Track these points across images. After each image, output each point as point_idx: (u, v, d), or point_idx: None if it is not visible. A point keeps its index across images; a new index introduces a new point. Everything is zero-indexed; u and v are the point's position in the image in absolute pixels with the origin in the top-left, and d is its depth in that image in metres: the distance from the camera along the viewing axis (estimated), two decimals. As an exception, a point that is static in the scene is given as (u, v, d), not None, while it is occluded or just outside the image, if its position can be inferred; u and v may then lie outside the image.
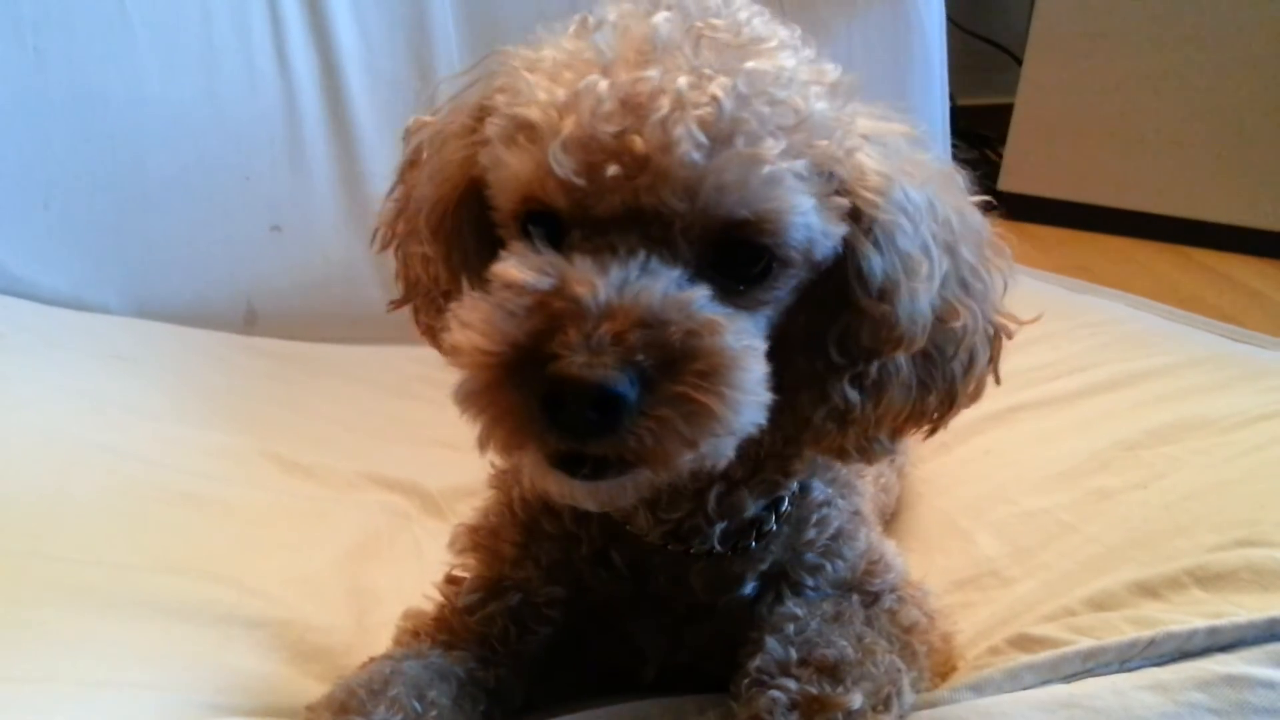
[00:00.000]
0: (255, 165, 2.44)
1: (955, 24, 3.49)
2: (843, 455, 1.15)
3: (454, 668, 1.22)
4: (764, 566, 1.25)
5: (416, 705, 1.12)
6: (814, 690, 1.04)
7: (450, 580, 1.35)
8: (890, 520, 1.76)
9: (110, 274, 2.34)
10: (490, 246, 1.07)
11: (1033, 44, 4.22)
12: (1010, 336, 1.15)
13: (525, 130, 0.96)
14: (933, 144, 1.14)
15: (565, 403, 0.88)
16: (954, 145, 3.08)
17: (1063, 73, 4.17)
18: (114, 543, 1.57)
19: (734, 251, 0.98)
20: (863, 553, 1.31)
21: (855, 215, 1.01)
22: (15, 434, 1.71)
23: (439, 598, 1.34)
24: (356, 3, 2.49)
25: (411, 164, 1.18)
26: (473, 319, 0.94)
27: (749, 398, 0.95)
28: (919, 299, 1.03)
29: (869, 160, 1.02)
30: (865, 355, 1.06)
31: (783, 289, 1.03)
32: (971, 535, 1.69)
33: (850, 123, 1.03)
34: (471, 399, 0.94)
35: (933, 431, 1.17)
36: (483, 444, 0.96)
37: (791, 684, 1.05)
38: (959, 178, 1.13)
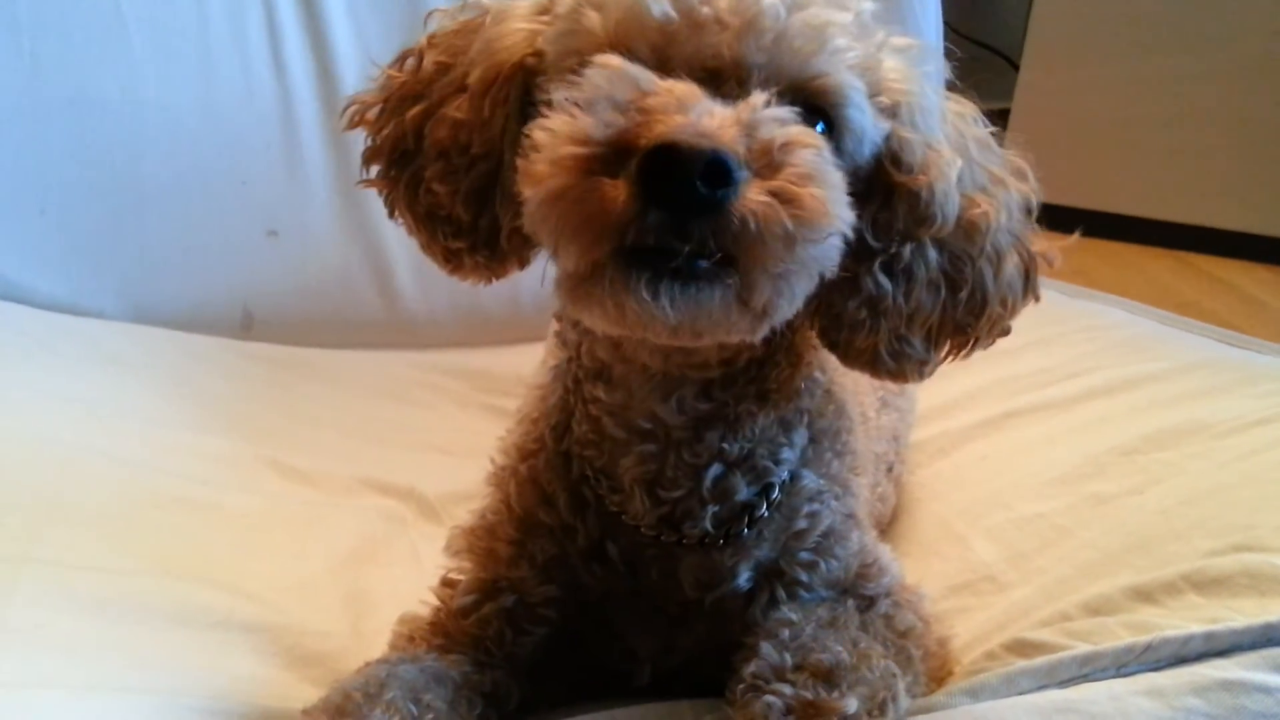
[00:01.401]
0: (252, 170, 2.43)
1: (952, 29, 3.49)
2: (875, 363, 1.14)
3: (450, 671, 1.22)
4: (757, 555, 1.25)
5: (412, 708, 1.12)
6: (809, 695, 1.04)
7: (446, 583, 1.36)
8: (886, 527, 1.76)
9: (106, 279, 2.34)
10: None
11: (1029, 50, 4.23)
12: (1051, 264, 1.20)
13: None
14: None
15: (672, 172, 0.85)
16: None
17: (1059, 78, 4.18)
18: (109, 547, 1.57)
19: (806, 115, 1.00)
20: (855, 553, 1.31)
21: (890, 111, 1.08)
22: (10, 438, 1.71)
23: (435, 602, 1.35)
24: (353, 8, 2.49)
25: (453, 35, 1.18)
26: (557, 124, 0.91)
27: (839, 207, 0.96)
28: (948, 177, 1.08)
29: (895, 62, 1.10)
30: (899, 238, 1.09)
31: (846, 169, 1.04)
32: (968, 540, 1.69)
33: (880, 35, 1.10)
34: (552, 199, 0.90)
35: (969, 351, 1.19)
36: (560, 256, 0.94)
37: (787, 689, 1.05)
38: (971, 106, 1.21)
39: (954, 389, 2.06)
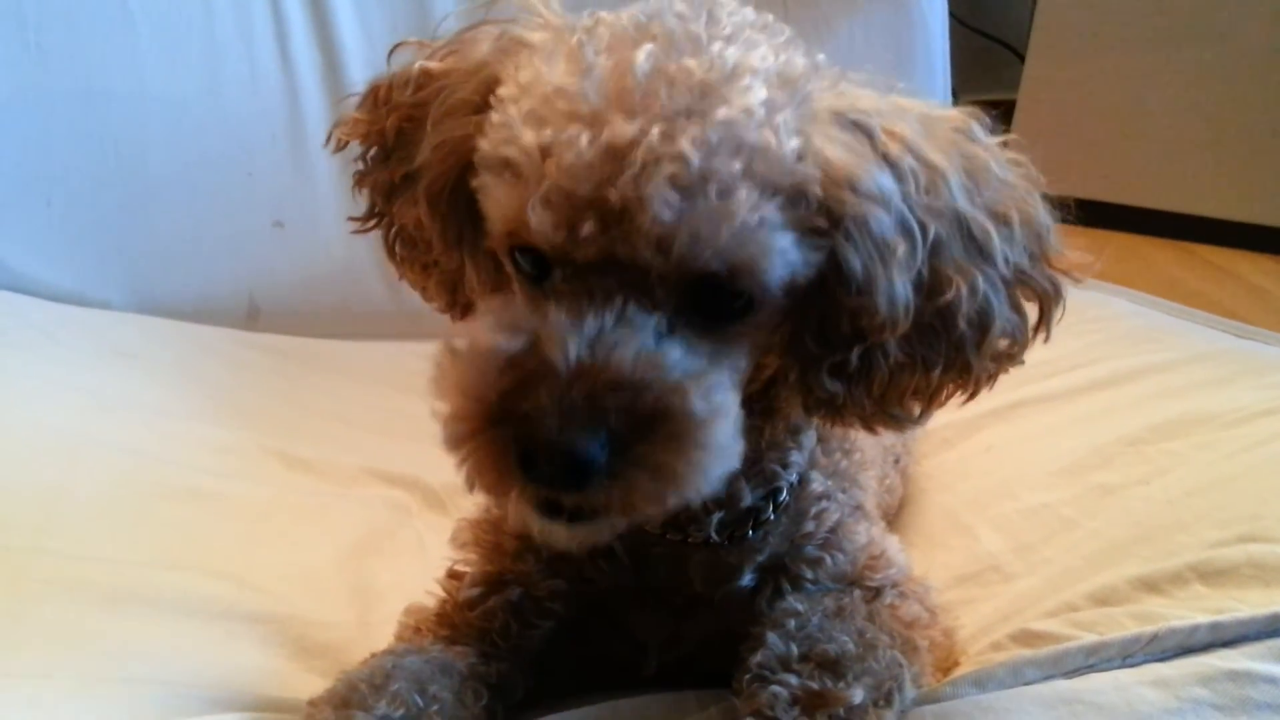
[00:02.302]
0: (258, 161, 2.44)
1: (958, 20, 3.49)
2: (867, 428, 1.14)
3: (455, 662, 1.22)
4: (761, 558, 1.25)
5: (418, 699, 1.12)
6: (815, 685, 1.04)
7: (452, 575, 1.36)
8: (893, 517, 1.76)
9: (113, 270, 2.34)
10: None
11: (1035, 40, 4.22)
12: (1077, 281, 1.13)
13: (510, 168, 0.96)
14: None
15: (538, 464, 0.91)
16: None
17: (1065, 69, 4.17)
18: (115, 538, 1.57)
19: (714, 291, 0.97)
20: (863, 546, 1.31)
21: (828, 214, 0.98)
22: (17, 429, 1.72)
23: (441, 593, 1.35)
24: (359, 0, 2.49)
25: (393, 106, 1.16)
26: (450, 378, 0.97)
27: (717, 457, 0.95)
28: (896, 283, 0.99)
29: (832, 150, 0.98)
30: (844, 343, 1.04)
31: (764, 317, 1.03)
32: (974, 531, 1.69)
33: (812, 114, 1.00)
34: (453, 447, 0.96)
35: (971, 396, 1.14)
36: (469, 486, 0.98)
37: (793, 679, 1.05)
38: (966, 120, 1.08)
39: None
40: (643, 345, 0.93)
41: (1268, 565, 1.25)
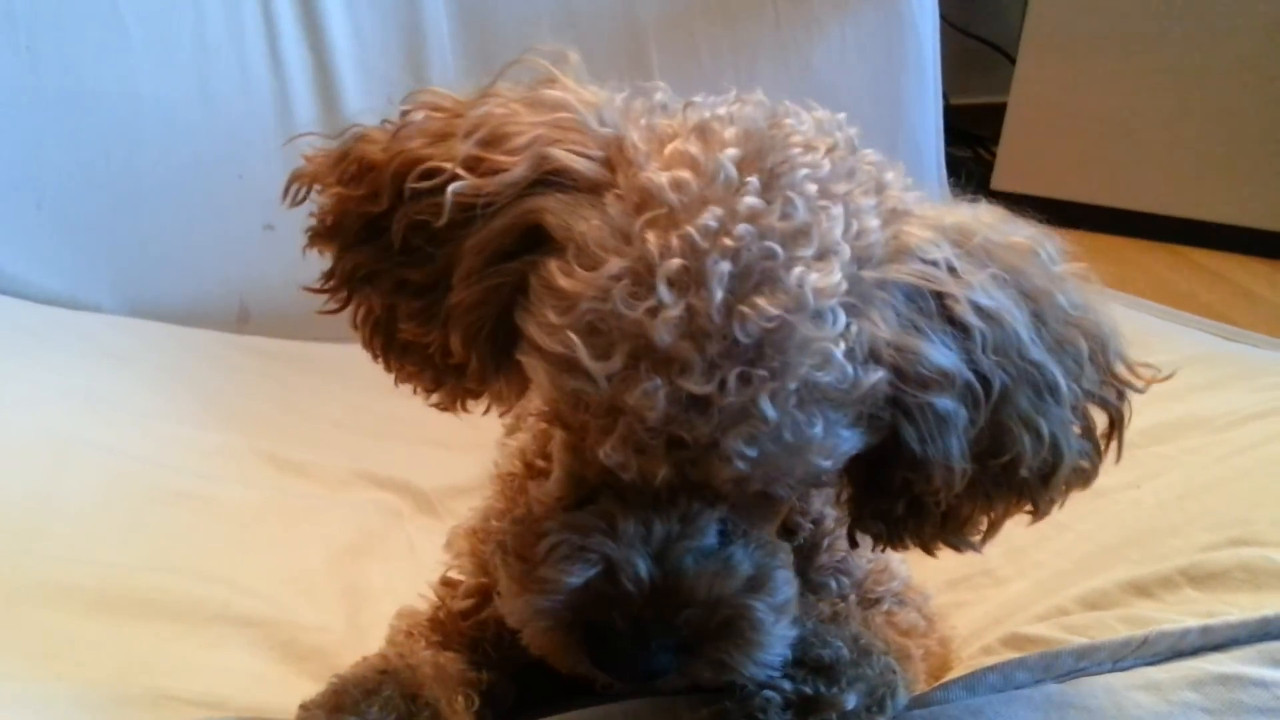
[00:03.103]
0: (248, 163, 2.43)
1: (948, 22, 3.50)
2: (926, 551, 1.14)
3: (446, 668, 1.22)
4: None
5: (410, 705, 1.12)
6: (809, 690, 1.04)
7: (445, 583, 1.35)
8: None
9: (103, 272, 2.34)
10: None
11: (1026, 43, 4.22)
12: (1142, 389, 1.09)
13: (572, 377, 0.90)
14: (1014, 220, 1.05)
15: (612, 670, 0.98)
16: (947, 144, 3.08)
17: (1056, 71, 4.17)
18: (106, 541, 1.57)
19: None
20: (868, 570, 1.32)
21: (891, 400, 0.95)
22: (7, 432, 1.71)
23: (433, 598, 1.34)
24: (350, 1, 2.49)
25: (402, 210, 1.04)
26: (517, 607, 1.01)
27: (775, 649, 1.00)
28: (954, 450, 0.96)
29: (891, 334, 0.93)
30: (892, 495, 1.03)
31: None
32: (964, 535, 1.69)
33: (870, 289, 0.94)
34: (538, 646, 1.02)
35: (1039, 519, 1.11)
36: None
37: (786, 684, 1.05)
38: (1035, 247, 1.03)
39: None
40: (709, 551, 0.96)
41: (1258, 569, 1.26)
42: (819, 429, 0.89)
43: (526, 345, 0.96)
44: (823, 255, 0.91)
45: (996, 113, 4.34)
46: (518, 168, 0.98)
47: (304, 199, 1.17)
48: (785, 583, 1.01)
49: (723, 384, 0.86)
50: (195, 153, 2.39)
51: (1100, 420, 1.06)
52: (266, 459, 1.96)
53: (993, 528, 1.10)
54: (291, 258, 2.28)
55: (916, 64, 2.83)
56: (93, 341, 2.16)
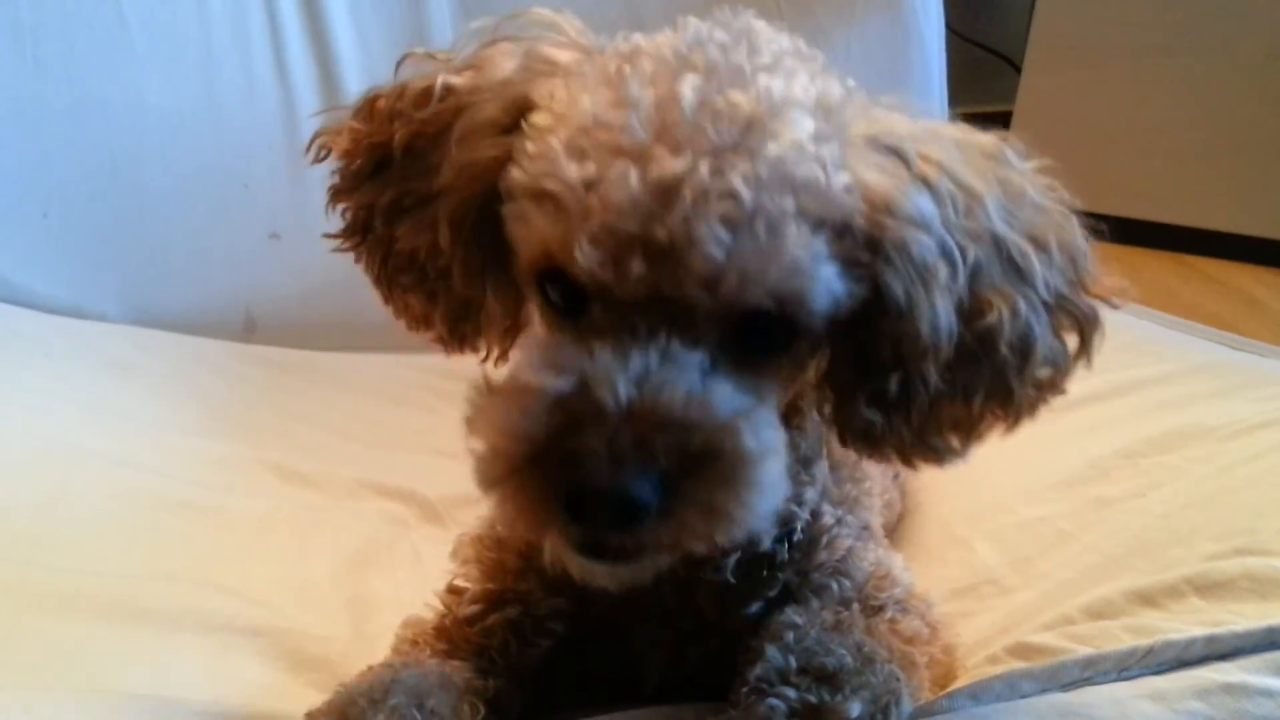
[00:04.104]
0: (254, 173, 2.44)
1: (954, 31, 3.49)
2: (906, 462, 1.12)
3: (453, 677, 1.22)
4: (772, 593, 1.26)
5: (416, 714, 1.12)
6: (813, 698, 1.04)
7: (452, 590, 1.35)
8: (892, 531, 1.76)
9: (109, 282, 2.34)
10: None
11: (1032, 52, 4.23)
12: (1115, 306, 1.12)
13: (551, 200, 0.94)
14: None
15: (587, 507, 0.90)
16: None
17: (1062, 81, 4.18)
18: (111, 551, 1.57)
19: (757, 325, 0.97)
20: (869, 573, 1.31)
21: (870, 243, 0.97)
22: (13, 442, 1.72)
23: (439, 606, 1.34)
24: (355, 9, 2.50)
25: (405, 119, 1.11)
26: (489, 417, 0.96)
27: (766, 496, 0.95)
28: (938, 307, 0.98)
29: (871, 176, 0.98)
30: (883, 371, 1.03)
31: (804, 349, 1.04)
32: (970, 544, 1.69)
33: (849, 141, 0.99)
34: (492, 487, 0.95)
35: (1013, 427, 1.11)
36: (508, 526, 1.02)
37: (790, 692, 1.05)
38: (1000, 145, 1.08)
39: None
40: (690, 384, 0.93)
41: (1264, 578, 1.25)
42: (793, 230, 0.91)
43: (510, 197, 1.01)
44: (790, 75, 0.99)
45: (1002, 122, 4.32)
46: (508, 62, 1.07)
47: (326, 156, 1.21)
48: (771, 426, 0.98)
49: (694, 169, 0.90)
50: (201, 162, 2.39)
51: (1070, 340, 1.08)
52: (272, 469, 1.96)
53: (972, 432, 1.09)
54: (297, 267, 2.29)
55: (922, 73, 2.83)
56: (98, 351, 2.17)
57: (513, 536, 1.31)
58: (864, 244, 0.97)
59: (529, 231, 0.98)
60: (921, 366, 1.01)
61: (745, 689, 1.08)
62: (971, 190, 1.00)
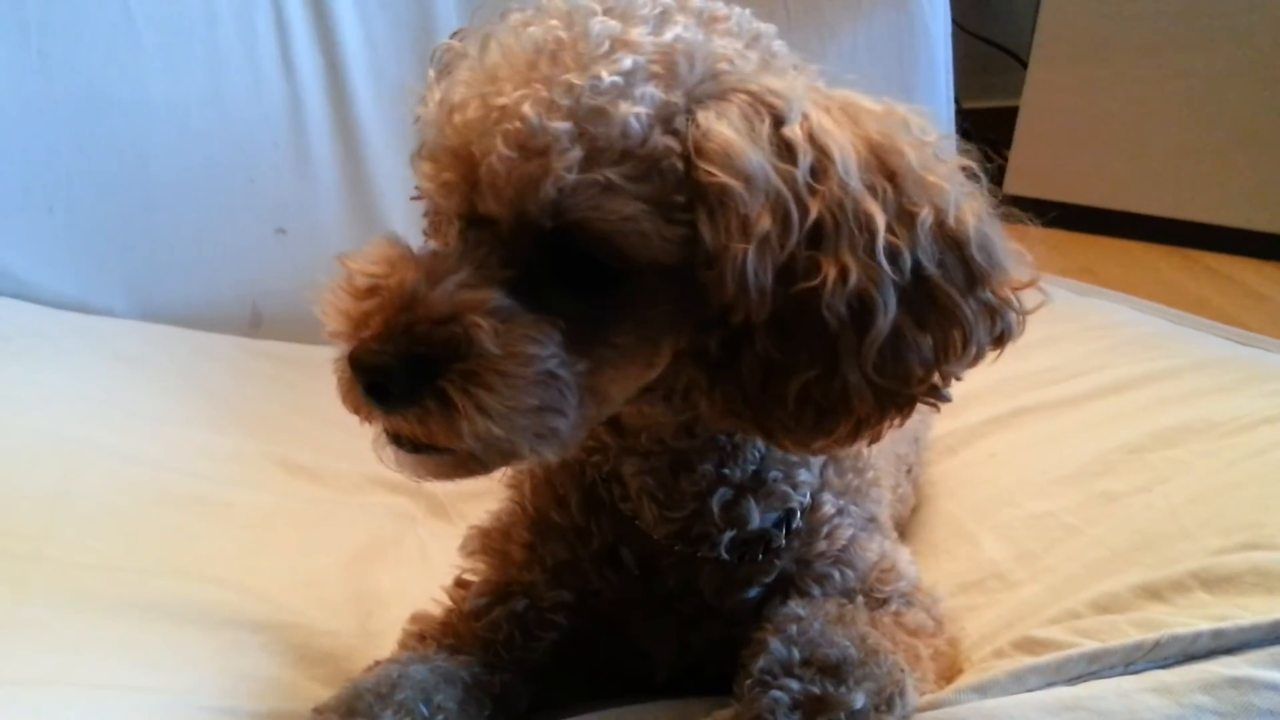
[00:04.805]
0: (260, 168, 2.44)
1: (960, 27, 3.49)
2: (798, 445, 1.09)
3: (460, 672, 1.23)
4: (769, 578, 1.26)
5: (424, 709, 1.12)
6: (816, 690, 1.04)
7: (459, 584, 1.36)
8: (904, 525, 1.76)
9: (115, 277, 2.34)
10: None
11: (1038, 47, 4.22)
12: (1023, 311, 1.06)
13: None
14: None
15: (357, 380, 1.00)
16: (959, 148, 3.07)
17: (1068, 76, 4.17)
18: (118, 545, 1.57)
19: (573, 259, 1.00)
20: (874, 563, 1.31)
21: (693, 189, 0.99)
22: (20, 436, 1.72)
23: (446, 601, 1.35)
24: (361, 5, 2.50)
25: None
26: (324, 299, 1.05)
27: (511, 405, 0.98)
28: (749, 261, 0.96)
29: (715, 125, 0.98)
30: (708, 325, 1.03)
31: (638, 294, 1.03)
32: (976, 538, 1.69)
33: (718, 92, 1.02)
34: (333, 368, 1.05)
35: (879, 420, 1.05)
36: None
37: (794, 684, 1.05)
38: (906, 116, 1.06)
39: (962, 387, 2.04)
40: (474, 287, 0.99)
41: (1270, 572, 1.25)
42: (573, 153, 0.95)
43: None
44: (649, 24, 1.04)
45: (1008, 116, 4.34)
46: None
47: None
48: (543, 345, 0.99)
49: (513, 99, 0.98)
50: (207, 157, 2.39)
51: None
52: (278, 463, 1.96)
53: (828, 412, 1.03)
54: (303, 261, 2.29)
55: (928, 67, 2.83)
56: (105, 346, 2.17)
57: (518, 528, 1.32)
58: (681, 188, 0.98)
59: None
60: (735, 321, 1.00)
61: (749, 681, 1.09)
62: (827, 151, 0.99)
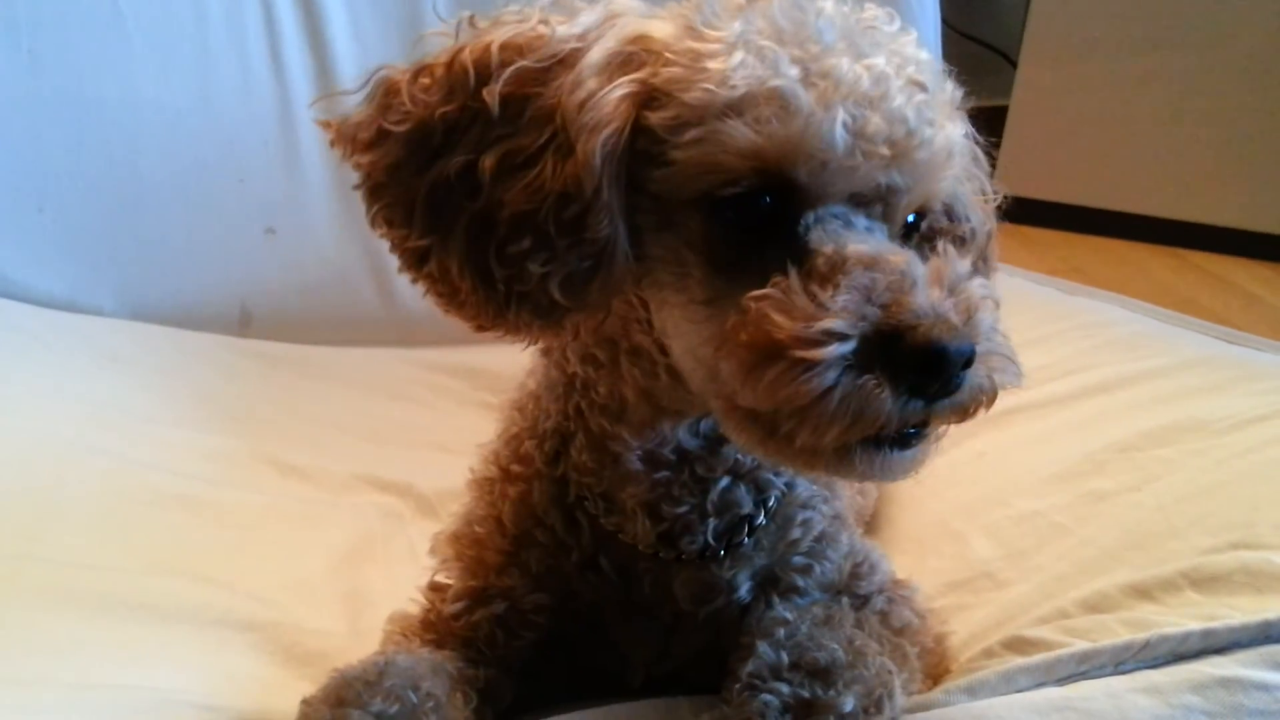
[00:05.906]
0: (249, 168, 2.44)
1: (950, 26, 3.49)
2: None
3: (445, 665, 1.22)
4: (752, 570, 1.26)
5: (413, 696, 1.12)
6: (805, 693, 1.04)
7: (434, 587, 1.35)
8: (871, 522, 1.76)
9: (105, 276, 2.34)
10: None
11: (1028, 47, 4.23)
12: None
13: (773, 101, 0.94)
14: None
15: (943, 371, 0.90)
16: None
17: (1058, 75, 4.18)
18: (107, 545, 1.57)
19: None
20: (846, 554, 1.31)
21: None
22: (8, 436, 1.71)
23: (423, 602, 1.34)
24: (351, 5, 2.49)
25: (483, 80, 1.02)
26: (795, 309, 0.92)
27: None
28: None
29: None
30: None
31: None
32: (965, 538, 1.69)
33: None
34: (816, 396, 0.90)
35: None
36: (791, 429, 0.93)
37: (783, 688, 1.05)
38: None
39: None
40: (957, 269, 0.97)
41: (1260, 572, 1.25)
42: (952, 126, 1.04)
43: (673, 130, 0.98)
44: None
45: (998, 116, 4.34)
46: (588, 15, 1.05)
47: (382, 135, 1.12)
48: None
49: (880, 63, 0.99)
50: (197, 157, 2.39)
51: None
52: (268, 463, 1.96)
53: None
54: (292, 262, 2.30)
55: (918, 67, 2.83)
56: (94, 345, 2.17)
57: (491, 534, 1.31)
58: None
59: (716, 149, 0.96)
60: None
61: (738, 685, 1.09)
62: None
